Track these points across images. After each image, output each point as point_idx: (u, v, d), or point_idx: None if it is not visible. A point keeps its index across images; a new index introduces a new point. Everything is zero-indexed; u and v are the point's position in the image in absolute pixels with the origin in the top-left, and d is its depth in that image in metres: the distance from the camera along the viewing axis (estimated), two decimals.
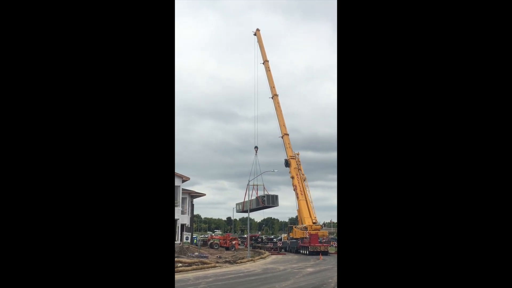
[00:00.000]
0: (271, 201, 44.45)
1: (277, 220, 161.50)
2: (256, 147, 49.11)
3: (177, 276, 20.48)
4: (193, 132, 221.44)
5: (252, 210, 50.61)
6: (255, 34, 53.43)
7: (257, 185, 44.62)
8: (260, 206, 45.98)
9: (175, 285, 16.90)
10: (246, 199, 49.56)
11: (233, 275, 21.28)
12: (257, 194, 46.44)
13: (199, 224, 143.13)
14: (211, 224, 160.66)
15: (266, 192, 45.58)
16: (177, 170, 42.16)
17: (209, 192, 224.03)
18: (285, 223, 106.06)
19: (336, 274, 21.90)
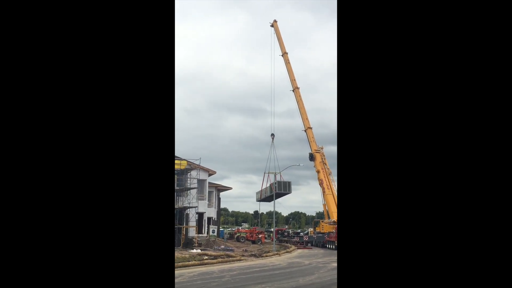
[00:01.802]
0: (283, 187, 43.69)
1: (304, 214, 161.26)
2: (272, 134, 48.73)
3: (202, 269, 20.75)
4: (222, 128, 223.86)
5: (266, 199, 50.63)
6: (272, 26, 52.29)
7: (274, 173, 44.00)
8: (274, 193, 45.66)
9: (201, 277, 17.18)
10: (264, 187, 49.60)
11: (258, 269, 21.37)
12: (274, 181, 46.01)
13: (226, 217, 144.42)
14: (238, 218, 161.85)
15: (282, 179, 44.98)
16: (205, 164, 42.62)
17: (238, 186, 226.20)
18: (312, 217, 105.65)
19: None
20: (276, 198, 39.81)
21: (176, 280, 14.51)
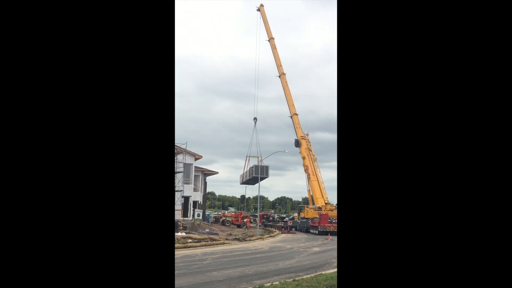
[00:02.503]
0: (260, 171, 44.29)
1: (291, 199, 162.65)
2: (255, 118, 49.37)
3: (186, 252, 21.10)
4: (212, 112, 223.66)
5: (247, 182, 51.53)
6: (258, 10, 51.76)
7: (257, 157, 44.60)
8: (252, 177, 46.09)
9: (184, 259, 17.50)
10: (245, 170, 50.38)
11: (240, 252, 21.81)
12: (253, 165, 46.58)
13: (212, 201, 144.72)
14: (225, 202, 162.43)
15: (262, 164, 45.44)
16: (193, 148, 42.76)
17: (225, 170, 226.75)
18: (298, 203, 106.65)
19: None
20: (255, 182, 40.27)
21: None
